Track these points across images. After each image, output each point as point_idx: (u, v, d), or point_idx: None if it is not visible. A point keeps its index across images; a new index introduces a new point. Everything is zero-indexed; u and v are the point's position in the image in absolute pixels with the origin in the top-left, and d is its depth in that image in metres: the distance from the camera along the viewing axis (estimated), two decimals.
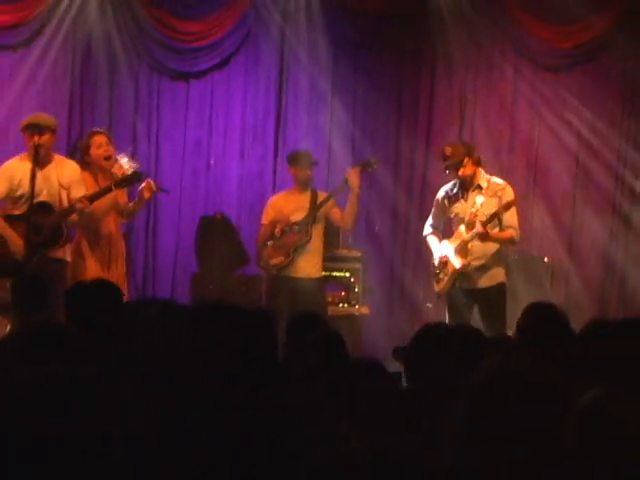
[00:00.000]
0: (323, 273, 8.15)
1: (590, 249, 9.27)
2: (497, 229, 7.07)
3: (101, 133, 7.56)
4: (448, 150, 7.25)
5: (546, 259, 8.90)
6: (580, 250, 9.29)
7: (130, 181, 7.15)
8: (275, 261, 7.83)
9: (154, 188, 7.45)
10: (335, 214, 7.86)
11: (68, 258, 7.12)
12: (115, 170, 7.32)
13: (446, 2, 9.13)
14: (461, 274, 7.16)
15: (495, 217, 6.97)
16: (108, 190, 7.00)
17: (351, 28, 9.35)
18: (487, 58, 9.38)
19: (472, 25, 9.18)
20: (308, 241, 7.77)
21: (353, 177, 7.72)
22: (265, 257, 7.88)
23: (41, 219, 6.94)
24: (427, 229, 7.51)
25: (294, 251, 7.77)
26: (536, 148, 9.30)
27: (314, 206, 7.79)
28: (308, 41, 9.23)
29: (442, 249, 7.28)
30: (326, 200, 7.78)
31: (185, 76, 9.38)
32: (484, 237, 6.97)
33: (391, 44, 9.43)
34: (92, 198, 6.93)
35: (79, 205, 6.88)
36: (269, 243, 7.81)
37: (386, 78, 9.51)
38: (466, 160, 7.11)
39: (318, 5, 9.13)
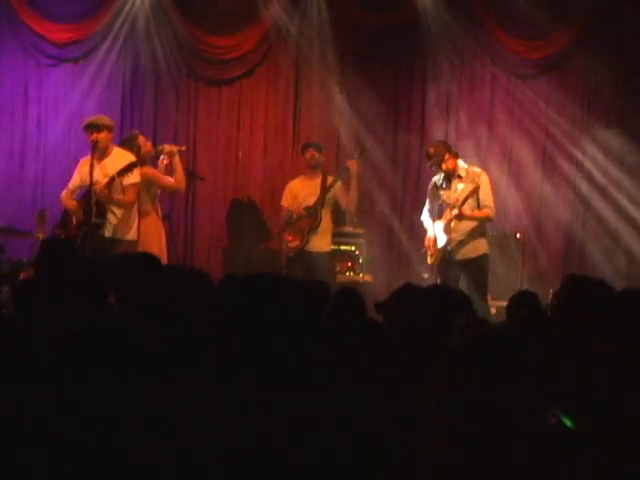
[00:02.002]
0: (332, 247, 8.76)
1: (555, 227, 9.86)
2: (476, 210, 7.80)
3: (139, 134, 8.29)
4: (431, 150, 8.01)
5: (518, 235, 9.49)
6: (547, 228, 9.86)
7: (126, 171, 7.51)
8: (293, 244, 8.42)
9: (170, 147, 8.22)
10: (343, 200, 8.48)
11: (107, 234, 7.59)
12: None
13: (434, 20, 9.80)
14: (448, 248, 7.83)
15: (466, 200, 7.71)
16: (113, 180, 7.46)
17: (355, 42, 10.05)
18: (469, 67, 9.98)
19: (456, 40, 9.83)
20: (319, 223, 8.41)
21: (353, 166, 8.38)
22: (285, 240, 8.50)
23: (85, 204, 7.62)
24: (424, 213, 8.20)
25: (308, 233, 8.39)
26: (510, 142, 9.88)
27: (323, 191, 8.43)
28: (319, 53, 9.96)
29: (434, 229, 8.01)
30: (332, 185, 8.39)
31: (217, 83, 10.19)
32: (460, 217, 7.75)
33: (389, 55, 10.09)
34: (107, 185, 7.48)
35: (97, 191, 7.49)
36: (289, 228, 8.49)
37: (385, 83, 10.13)
38: (447, 156, 7.85)
39: (328, 23, 9.91)
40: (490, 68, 10.06)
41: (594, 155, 9.88)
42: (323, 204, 8.48)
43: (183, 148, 8.51)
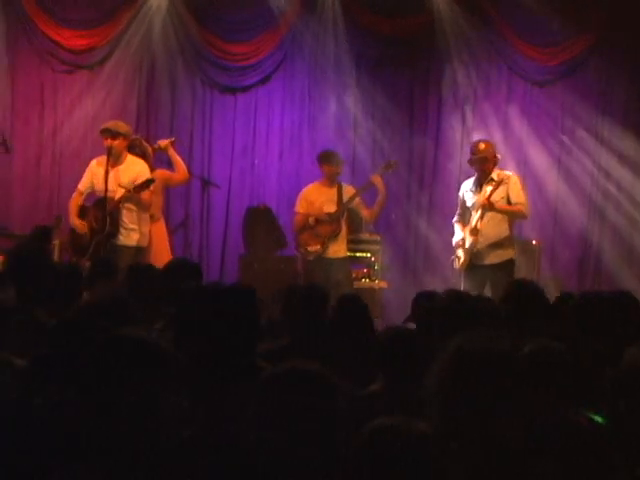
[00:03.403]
0: (348, 253, 8.86)
1: (571, 233, 9.94)
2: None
3: (141, 138, 8.54)
4: (482, 145, 7.97)
5: (534, 241, 9.52)
6: (563, 234, 9.94)
7: (143, 187, 7.73)
8: (312, 249, 8.52)
9: (164, 143, 8.53)
10: (363, 211, 8.65)
11: (121, 243, 7.75)
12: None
13: (450, 25, 9.83)
14: (474, 252, 7.79)
15: (495, 188, 7.62)
16: (129, 193, 7.67)
17: (371, 48, 10.09)
18: (485, 73, 10.03)
19: (472, 45, 9.90)
20: (339, 232, 8.57)
21: (378, 182, 8.52)
22: (303, 244, 8.61)
23: (99, 212, 7.77)
24: (455, 218, 8.14)
25: (328, 240, 8.53)
26: (525, 148, 9.94)
27: (342, 201, 8.52)
28: (335, 60, 10.00)
29: (462, 234, 7.96)
30: (353, 197, 8.54)
31: (233, 90, 10.21)
32: (490, 207, 7.65)
33: (405, 61, 10.12)
34: (123, 199, 7.71)
35: (126, 194, 7.66)
36: (306, 232, 8.57)
37: (401, 89, 10.17)
38: (492, 157, 7.93)
39: (343, 29, 9.92)
40: (506, 74, 10.13)
41: (609, 161, 9.94)
42: (343, 212, 8.61)
43: (173, 139, 8.79)
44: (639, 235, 9.90)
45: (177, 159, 8.57)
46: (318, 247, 8.55)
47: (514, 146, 10.02)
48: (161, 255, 8.12)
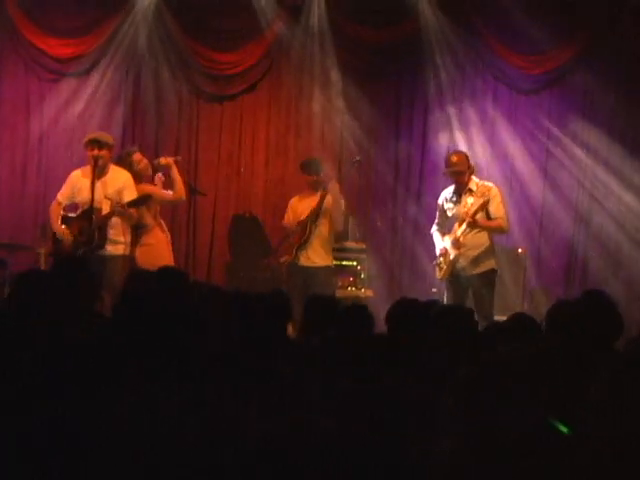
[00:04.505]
0: (334, 262, 8.71)
1: (557, 241, 9.96)
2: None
3: (137, 151, 8.37)
4: (454, 158, 7.99)
5: (520, 250, 9.56)
6: (548, 242, 9.94)
7: (138, 204, 7.75)
8: (283, 260, 8.51)
9: (165, 160, 8.27)
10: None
11: (109, 253, 7.69)
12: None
13: (436, 35, 9.87)
14: (457, 263, 7.86)
15: (477, 212, 7.67)
16: (122, 208, 7.64)
17: (357, 57, 10.12)
18: (470, 82, 10.08)
19: (458, 55, 9.94)
20: (307, 238, 8.37)
21: (332, 187, 8.42)
22: (276, 256, 8.69)
23: (85, 223, 7.71)
24: (434, 227, 8.18)
25: (297, 249, 8.41)
26: (511, 157, 9.97)
27: (315, 207, 8.41)
28: (321, 68, 10.01)
29: (443, 243, 7.98)
30: (320, 203, 8.35)
31: (219, 99, 10.22)
32: (473, 225, 7.73)
33: (390, 70, 10.17)
34: (114, 214, 7.70)
35: (118, 209, 7.64)
36: (285, 244, 8.55)
37: (386, 98, 10.22)
38: (466, 169, 7.93)
39: (329, 38, 9.94)
40: (492, 82, 10.19)
41: (595, 169, 9.95)
42: (315, 218, 8.45)
43: (179, 158, 8.58)
44: (625, 242, 9.91)
45: (177, 179, 8.21)
46: (287, 257, 8.49)
47: (500, 154, 10.05)
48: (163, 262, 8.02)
